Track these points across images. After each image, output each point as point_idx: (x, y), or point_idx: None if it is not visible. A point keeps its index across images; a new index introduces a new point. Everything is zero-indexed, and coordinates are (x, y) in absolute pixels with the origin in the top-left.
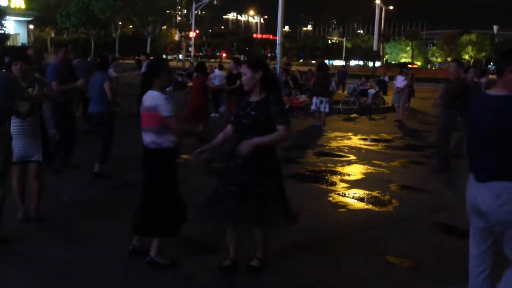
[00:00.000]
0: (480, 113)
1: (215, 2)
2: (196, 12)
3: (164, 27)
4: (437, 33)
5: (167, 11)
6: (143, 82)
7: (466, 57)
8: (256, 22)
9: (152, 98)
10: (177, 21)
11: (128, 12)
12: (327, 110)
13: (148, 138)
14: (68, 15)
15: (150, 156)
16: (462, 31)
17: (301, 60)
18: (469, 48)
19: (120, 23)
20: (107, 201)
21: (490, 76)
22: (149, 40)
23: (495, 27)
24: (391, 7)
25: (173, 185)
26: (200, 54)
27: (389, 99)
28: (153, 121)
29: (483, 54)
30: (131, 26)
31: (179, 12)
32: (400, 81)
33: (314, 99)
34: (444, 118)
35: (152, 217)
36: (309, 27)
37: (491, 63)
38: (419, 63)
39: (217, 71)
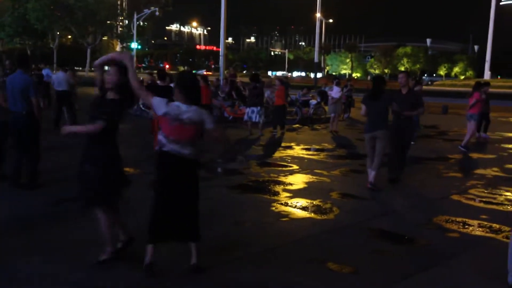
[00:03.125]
0: None
1: (157, 13)
2: (138, 23)
3: (105, 38)
4: (375, 46)
5: (108, 22)
6: None
7: (402, 68)
8: (200, 34)
9: None
10: (118, 31)
11: (67, 22)
12: (257, 120)
13: None
14: (2, 25)
15: None
16: (398, 44)
17: (244, 72)
18: (405, 60)
19: (58, 33)
20: (43, 215)
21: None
22: (89, 51)
23: (428, 40)
24: (330, 20)
25: None
26: (143, 65)
27: None
28: None
29: (418, 65)
30: (70, 37)
31: (120, 23)
32: (336, 92)
33: (247, 110)
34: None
35: None
36: (252, 39)
37: (425, 75)
38: (358, 74)
39: None
